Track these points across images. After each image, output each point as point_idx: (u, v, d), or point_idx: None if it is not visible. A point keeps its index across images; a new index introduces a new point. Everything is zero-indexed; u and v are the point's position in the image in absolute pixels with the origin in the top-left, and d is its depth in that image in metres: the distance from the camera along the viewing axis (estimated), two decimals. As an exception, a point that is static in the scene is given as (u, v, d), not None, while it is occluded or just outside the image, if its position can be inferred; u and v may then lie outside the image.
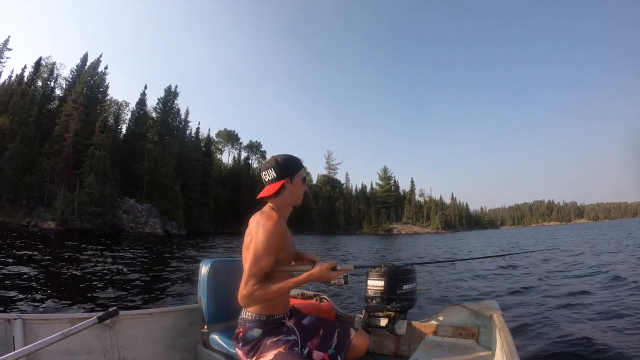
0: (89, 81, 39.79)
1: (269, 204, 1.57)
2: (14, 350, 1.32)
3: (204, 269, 2.01)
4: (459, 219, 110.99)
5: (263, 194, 1.56)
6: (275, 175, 1.54)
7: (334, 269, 1.47)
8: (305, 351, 1.56)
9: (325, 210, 79.37)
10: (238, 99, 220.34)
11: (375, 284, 2.21)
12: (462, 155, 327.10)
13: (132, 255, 13.11)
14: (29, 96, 41.05)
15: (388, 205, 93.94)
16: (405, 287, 2.19)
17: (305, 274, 1.46)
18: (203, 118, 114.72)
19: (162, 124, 45.91)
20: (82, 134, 35.49)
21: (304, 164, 1.86)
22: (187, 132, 51.69)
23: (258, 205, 1.62)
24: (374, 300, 2.19)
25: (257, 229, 1.44)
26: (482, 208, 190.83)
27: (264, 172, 1.58)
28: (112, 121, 45.66)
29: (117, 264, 9.75)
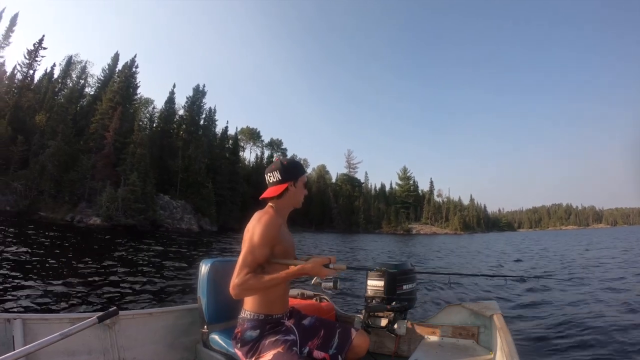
0: (125, 81, 40.47)
1: (270, 203, 1.61)
2: (14, 350, 1.31)
3: (204, 269, 2.00)
4: (477, 221, 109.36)
5: (266, 194, 1.60)
6: (280, 178, 1.58)
7: (326, 266, 1.47)
8: (305, 351, 1.56)
9: (345, 209, 79.28)
10: (257, 99, 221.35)
11: (375, 284, 2.23)
12: (480, 155, 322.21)
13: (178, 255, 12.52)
14: (66, 94, 42.07)
15: (407, 205, 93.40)
16: (405, 287, 2.22)
17: (297, 267, 1.45)
18: (220, 115, 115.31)
19: (191, 122, 46.54)
20: (118, 131, 36.18)
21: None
22: (214, 129, 52.31)
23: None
24: (374, 301, 2.23)
25: (254, 223, 1.48)
26: (499, 210, 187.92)
27: (268, 174, 1.62)
28: (146, 119, 46.48)
29: (143, 263, 9.47)
